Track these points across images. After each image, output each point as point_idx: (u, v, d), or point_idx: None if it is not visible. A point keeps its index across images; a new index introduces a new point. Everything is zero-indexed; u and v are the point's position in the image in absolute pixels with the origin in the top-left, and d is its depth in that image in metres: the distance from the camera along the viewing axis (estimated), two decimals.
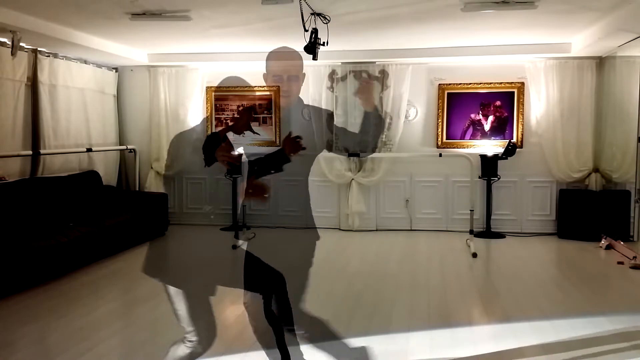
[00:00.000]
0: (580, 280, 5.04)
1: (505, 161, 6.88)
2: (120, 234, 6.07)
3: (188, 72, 7.67)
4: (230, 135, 2.32)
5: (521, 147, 7.11)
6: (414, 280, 5.03)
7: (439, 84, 7.24)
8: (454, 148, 7.21)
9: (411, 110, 7.31)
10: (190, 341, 2.44)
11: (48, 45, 6.08)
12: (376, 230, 7.43)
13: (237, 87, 7.66)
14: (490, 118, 7.18)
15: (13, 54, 5.43)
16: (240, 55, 7.16)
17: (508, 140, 6.95)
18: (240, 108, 7.69)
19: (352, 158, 7.23)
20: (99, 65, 7.37)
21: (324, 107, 7.30)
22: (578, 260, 5.88)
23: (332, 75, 7.29)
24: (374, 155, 7.18)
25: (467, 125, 7.24)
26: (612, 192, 6.62)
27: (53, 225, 5.48)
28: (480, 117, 7.19)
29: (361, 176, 7.31)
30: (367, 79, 2.67)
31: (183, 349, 2.45)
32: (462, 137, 7.25)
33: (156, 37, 6.24)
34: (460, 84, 7.21)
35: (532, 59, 6.94)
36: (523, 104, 7.10)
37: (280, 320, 2.56)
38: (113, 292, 4.88)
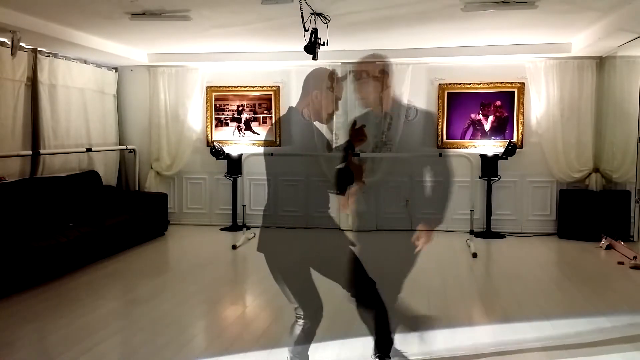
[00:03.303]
0: (580, 280, 5.04)
1: (505, 161, 6.88)
2: (120, 234, 6.06)
3: (188, 72, 7.67)
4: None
5: (521, 147, 7.11)
6: (414, 281, 5.02)
7: (439, 84, 7.24)
8: (454, 148, 7.20)
9: (411, 110, 7.30)
10: (299, 318, 2.63)
11: (48, 45, 6.07)
12: (376, 230, 7.41)
13: (237, 86, 7.67)
14: (491, 118, 7.18)
15: (13, 54, 5.43)
16: (240, 55, 7.16)
17: (508, 140, 6.95)
18: (240, 107, 7.70)
19: None
20: (99, 65, 7.36)
21: (324, 107, 7.28)
22: (578, 260, 5.87)
23: (332, 75, 7.27)
24: (374, 155, 7.17)
25: (467, 125, 7.23)
26: (612, 192, 6.62)
27: (53, 225, 5.48)
28: (481, 117, 7.19)
29: None
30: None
31: (297, 328, 2.65)
32: (462, 137, 7.24)
33: (156, 37, 6.24)
34: (460, 84, 7.21)
35: (532, 59, 6.94)
36: (523, 104, 7.10)
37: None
38: (113, 292, 4.88)
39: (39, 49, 6.14)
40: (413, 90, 7.20)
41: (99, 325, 3.87)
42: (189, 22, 5.28)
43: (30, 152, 6.02)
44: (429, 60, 7.09)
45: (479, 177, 6.94)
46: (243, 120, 7.71)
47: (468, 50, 6.75)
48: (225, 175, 7.48)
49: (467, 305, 4.38)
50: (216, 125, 7.78)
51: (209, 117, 7.78)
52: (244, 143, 7.67)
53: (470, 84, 7.19)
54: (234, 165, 7.35)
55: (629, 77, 6.14)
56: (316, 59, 5.27)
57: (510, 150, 6.74)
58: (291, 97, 7.55)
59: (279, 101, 7.55)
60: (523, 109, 7.10)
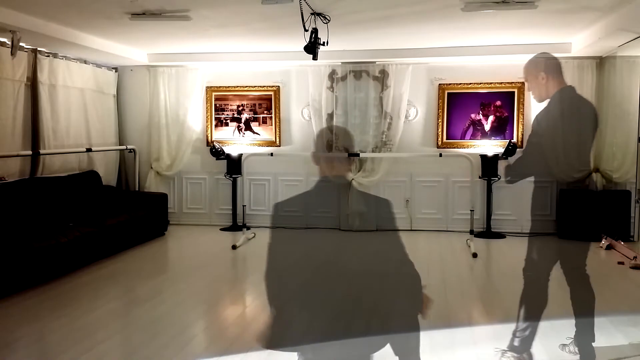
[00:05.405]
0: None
1: (505, 161, 6.88)
2: (120, 234, 6.06)
3: (188, 72, 7.67)
4: None
5: (521, 147, 7.11)
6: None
7: (439, 84, 7.24)
8: (454, 148, 7.20)
9: (411, 110, 7.31)
10: None
11: (48, 45, 6.07)
12: (376, 230, 7.41)
13: (237, 86, 7.67)
14: (491, 118, 7.18)
15: (13, 53, 5.42)
16: (240, 55, 7.17)
17: (508, 140, 6.95)
18: (240, 107, 7.70)
19: (352, 158, 7.22)
20: (99, 65, 7.36)
21: (324, 107, 7.28)
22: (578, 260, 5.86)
23: (332, 75, 7.28)
24: (374, 155, 7.17)
25: (467, 125, 7.23)
26: (612, 192, 6.61)
27: (53, 225, 5.48)
28: (481, 117, 7.19)
29: (361, 176, 7.30)
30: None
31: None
32: (463, 137, 7.24)
33: (156, 37, 6.23)
34: (460, 84, 7.21)
35: None
36: (523, 104, 7.09)
37: None
38: (113, 292, 4.88)
39: (39, 49, 6.14)
40: (413, 90, 7.21)
41: (99, 325, 3.87)
42: (189, 22, 5.28)
43: (30, 152, 6.02)
44: (429, 60, 7.09)
45: (479, 177, 6.94)
46: (243, 120, 7.71)
47: (468, 50, 6.75)
48: (225, 175, 7.49)
49: (467, 305, 4.37)
50: (216, 125, 7.78)
51: (209, 117, 7.78)
52: (244, 143, 7.67)
53: (470, 84, 7.19)
54: (234, 165, 7.35)
55: (629, 77, 6.14)
56: (316, 59, 5.26)
57: (511, 150, 6.74)
58: (291, 97, 7.56)
59: (279, 101, 7.54)
60: (523, 109, 7.10)
